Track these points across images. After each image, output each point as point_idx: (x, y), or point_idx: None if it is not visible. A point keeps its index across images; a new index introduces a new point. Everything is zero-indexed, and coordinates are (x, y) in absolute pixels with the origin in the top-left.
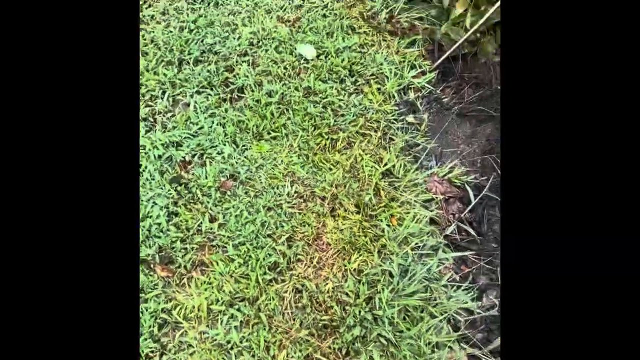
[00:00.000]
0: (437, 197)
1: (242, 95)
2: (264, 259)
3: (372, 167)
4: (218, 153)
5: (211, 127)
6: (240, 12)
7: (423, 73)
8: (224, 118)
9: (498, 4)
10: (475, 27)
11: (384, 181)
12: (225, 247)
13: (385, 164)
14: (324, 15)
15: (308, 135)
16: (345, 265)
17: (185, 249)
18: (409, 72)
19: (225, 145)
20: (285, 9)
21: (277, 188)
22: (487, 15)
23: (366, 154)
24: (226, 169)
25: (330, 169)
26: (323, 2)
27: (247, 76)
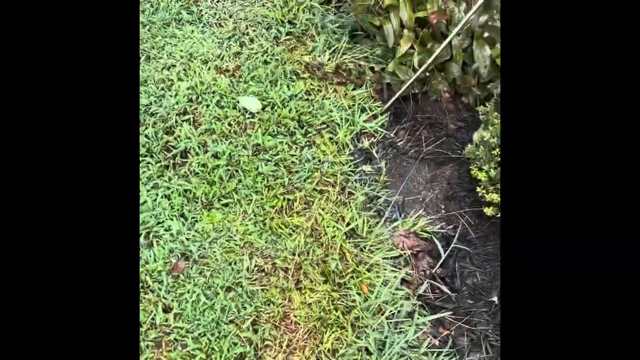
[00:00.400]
0: (405, 253)
1: (186, 159)
2: (228, 350)
3: (334, 228)
4: (165, 230)
5: (155, 200)
6: (175, 66)
7: (374, 116)
8: (168, 188)
9: (446, 42)
10: (425, 66)
11: (349, 242)
12: (184, 340)
13: (348, 223)
14: (265, 62)
15: (262, 199)
16: (318, 346)
17: (140, 348)
18: (359, 116)
19: (172, 220)
20: (222, 58)
21: (235, 264)
22: (435, 53)
23: (326, 213)
24: (176, 248)
25: (290, 235)
26: (262, 47)
27: (190, 137)
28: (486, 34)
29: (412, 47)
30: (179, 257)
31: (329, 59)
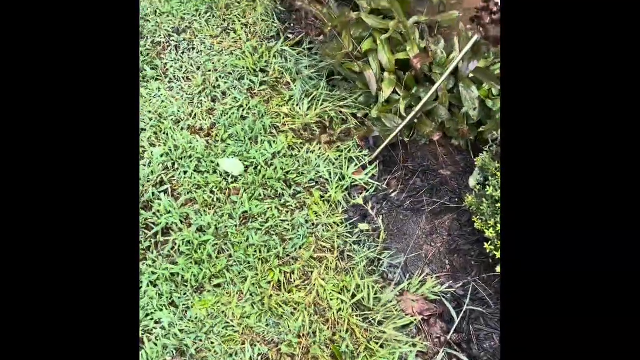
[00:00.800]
0: (415, 319)
1: (169, 237)
2: None
3: (338, 300)
4: (156, 323)
5: (140, 288)
6: (145, 130)
7: (363, 167)
8: (153, 274)
9: (434, 88)
10: (413, 113)
11: (356, 316)
12: None
13: (353, 294)
14: (242, 117)
15: (257, 274)
16: None
17: None
18: (348, 168)
19: (162, 310)
20: (195, 116)
21: (236, 354)
22: (424, 100)
23: (327, 284)
24: (169, 344)
25: (292, 314)
26: (237, 101)
27: (170, 212)
28: (471, 75)
29: (394, 91)
30: (174, 353)
31: (308, 108)
